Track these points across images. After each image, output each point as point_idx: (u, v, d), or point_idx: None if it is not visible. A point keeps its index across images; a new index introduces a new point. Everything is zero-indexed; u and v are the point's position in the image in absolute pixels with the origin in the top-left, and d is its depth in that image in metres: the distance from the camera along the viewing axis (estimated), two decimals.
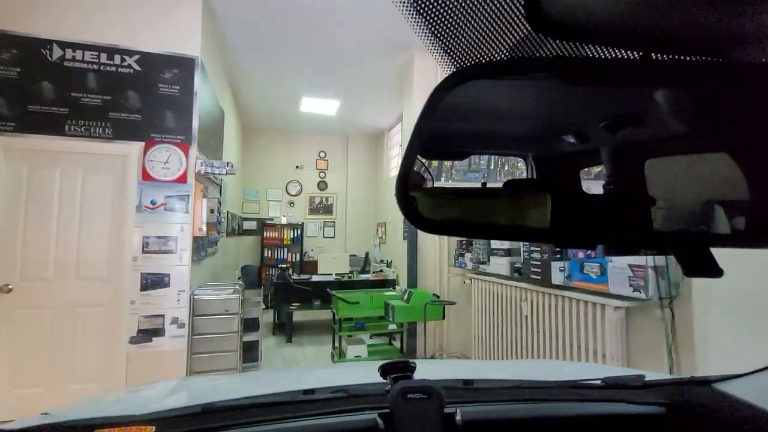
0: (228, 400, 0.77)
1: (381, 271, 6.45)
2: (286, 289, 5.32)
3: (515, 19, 0.36)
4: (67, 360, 2.95)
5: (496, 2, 0.34)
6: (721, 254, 0.38)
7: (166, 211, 3.15)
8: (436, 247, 4.43)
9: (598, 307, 2.33)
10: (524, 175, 0.59)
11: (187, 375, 3.09)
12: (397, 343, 4.76)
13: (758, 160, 0.38)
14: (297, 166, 8.10)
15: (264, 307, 4.36)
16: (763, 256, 1.52)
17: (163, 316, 3.10)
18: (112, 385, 2.94)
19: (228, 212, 5.61)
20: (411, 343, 4.23)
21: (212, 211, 3.88)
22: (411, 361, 0.80)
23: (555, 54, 0.39)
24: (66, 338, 2.96)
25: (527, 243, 2.88)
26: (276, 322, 5.72)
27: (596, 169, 0.56)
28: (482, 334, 3.71)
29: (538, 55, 0.40)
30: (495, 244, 3.42)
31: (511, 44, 0.39)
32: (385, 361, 0.80)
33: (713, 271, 0.38)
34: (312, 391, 0.81)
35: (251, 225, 7.67)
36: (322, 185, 8.26)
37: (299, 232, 7.70)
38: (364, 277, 6.00)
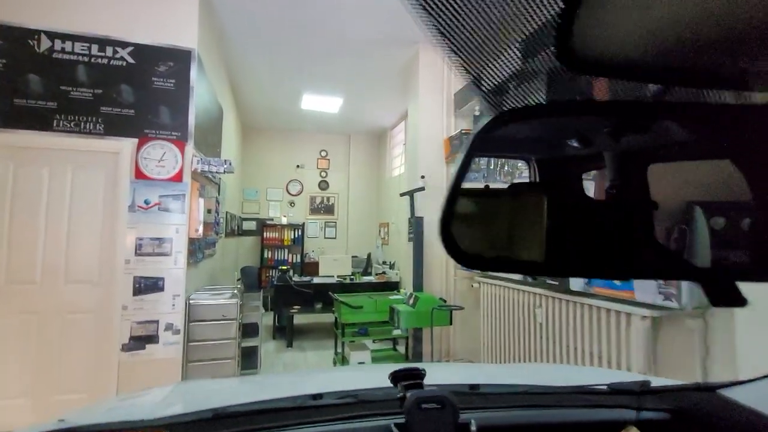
0: (238, 405, 0.77)
1: (384, 273, 6.29)
2: (287, 292, 5.16)
3: (545, 59, 0.38)
4: (54, 369, 2.79)
5: (530, 46, 0.37)
6: None
7: (160, 211, 2.99)
8: (442, 249, 4.25)
9: (622, 316, 2.17)
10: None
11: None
12: (401, 348, 4.60)
13: None
14: (298, 166, 7.94)
15: (263, 311, 4.20)
16: None
17: (157, 322, 2.94)
18: (103, 395, 2.78)
19: (227, 212, 5.45)
20: (417, 349, 4.07)
21: (209, 211, 3.71)
22: (421, 368, 0.79)
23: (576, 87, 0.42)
24: (54, 346, 2.79)
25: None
26: (276, 326, 5.56)
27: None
28: (491, 341, 3.55)
29: (558, 87, 0.42)
30: None
31: (541, 82, 0.42)
32: (396, 368, 0.79)
33: (739, 300, 0.38)
34: (320, 396, 0.81)
35: (251, 225, 7.52)
36: (324, 185, 8.11)
37: (300, 233, 7.54)
38: (366, 279, 5.85)
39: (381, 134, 7.99)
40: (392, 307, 3.71)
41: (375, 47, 4.39)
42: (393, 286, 5.61)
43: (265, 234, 7.37)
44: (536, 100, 0.45)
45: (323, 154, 8.12)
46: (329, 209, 8.12)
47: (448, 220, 0.41)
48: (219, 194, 4.39)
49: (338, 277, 5.65)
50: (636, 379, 0.90)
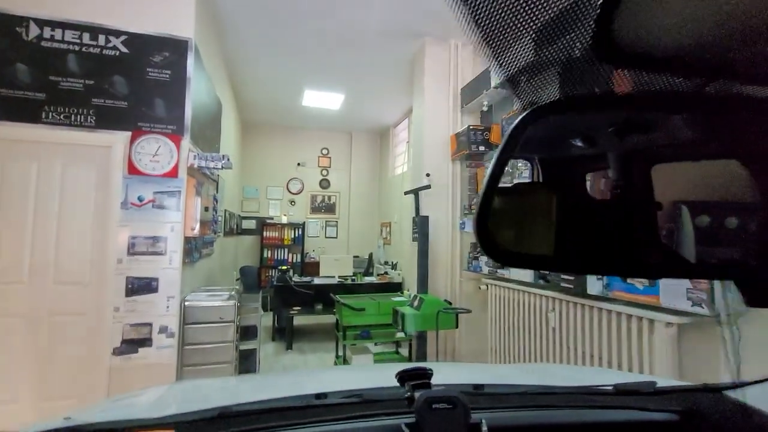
0: (243, 404, 0.76)
1: (386, 273, 6.16)
2: (287, 292, 5.02)
3: (580, 49, 0.37)
4: (42, 374, 2.65)
5: (566, 36, 0.36)
6: None
7: (154, 208, 2.85)
8: (448, 249, 4.13)
9: (644, 323, 2.03)
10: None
11: None
12: (404, 351, 4.47)
13: None
14: (298, 164, 7.81)
15: (262, 312, 4.06)
16: None
17: (150, 324, 2.81)
18: (93, 401, 2.65)
19: (226, 211, 5.31)
20: (420, 352, 3.93)
21: (207, 209, 3.57)
22: (428, 368, 0.78)
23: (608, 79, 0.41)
24: (41, 349, 2.66)
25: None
26: (276, 327, 5.42)
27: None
28: (499, 345, 3.41)
29: (596, 82, 0.41)
30: None
31: (576, 75, 0.41)
32: (402, 368, 0.78)
33: None
34: (324, 395, 0.80)
35: (251, 224, 7.38)
36: (325, 183, 7.97)
37: (300, 232, 7.41)
38: (368, 280, 5.72)
39: (383, 132, 7.85)
40: (396, 310, 3.57)
41: (379, 40, 4.24)
42: (395, 287, 5.47)
43: (265, 233, 7.23)
44: (568, 92, 0.44)
45: (324, 152, 7.99)
46: (330, 208, 7.98)
47: (485, 217, 0.40)
48: (217, 192, 4.25)
49: (339, 277, 5.51)
50: (642, 380, 0.89)
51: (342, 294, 4.41)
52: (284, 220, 7.43)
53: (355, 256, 6.20)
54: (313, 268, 6.76)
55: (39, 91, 2.66)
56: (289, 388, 1.13)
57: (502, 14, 0.35)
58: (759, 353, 1.70)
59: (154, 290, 2.82)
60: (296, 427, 0.71)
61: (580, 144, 0.49)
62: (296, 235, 7.38)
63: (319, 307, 5.11)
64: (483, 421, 0.67)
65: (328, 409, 0.76)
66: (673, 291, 1.87)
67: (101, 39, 2.79)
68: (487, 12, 0.35)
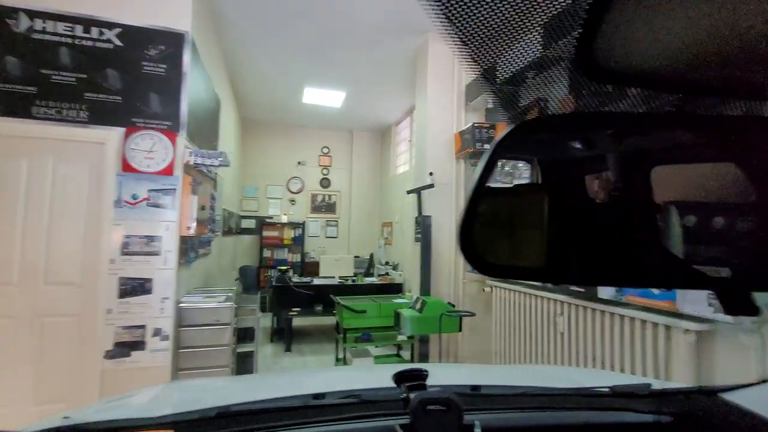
0: (241, 404, 0.77)
1: (387, 274, 6.06)
2: (286, 293, 4.93)
3: (563, 69, 0.39)
4: (31, 377, 2.56)
5: (550, 55, 0.37)
6: None
7: (149, 206, 2.76)
8: (451, 250, 4.03)
9: (660, 329, 1.93)
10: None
11: None
12: (405, 353, 4.37)
13: None
14: (299, 163, 7.71)
15: (261, 314, 3.97)
16: None
17: (143, 327, 2.71)
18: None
19: (224, 209, 5.21)
20: (423, 354, 3.84)
21: (203, 207, 3.48)
22: (424, 369, 0.78)
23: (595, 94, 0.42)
24: (31, 352, 2.56)
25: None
26: (274, 327, 5.33)
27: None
28: (504, 349, 3.31)
29: (579, 97, 0.43)
30: None
31: (561, 90, 0.43)
32: (399, 369, 0.78)
33: (753, 309, 0.38)
34: (322, 396, 0.81)
35: (250, 223, 7.29)
36: (325, 182, 7.87)
37: (300, 232, 7.32)
38: (369, 280, 5.62)
39: (385, 131, 7.75)
40: (398, 312, 3.48)
41: (381, 35, 4.15)
42: (396, 288, 5.38)
43: (264, 233, 7.14)
44: (549, 97, 0.44)
45: (325, 150, 7.89)
46: (331, 208, 7.89)
47: (469, 226, 0.39)
48: (215, 190, 4.16)
49: (340, 278, 5.42)
50: (638, 382, 0.90)
51: (342, 295, 4.32)
52: (284, 219, 7.34)
53: (355, 257, 6.11)
54: (312, 268, 6.67)
55: (30, 85, 2.57)
56: (287, 388, 1.13)
57: (485, 29, 0.35)
58: None
59: (148, 291, 2.73)
60: (294, 427, 0.71)
61: (576, 147, 0.48)
62: (296, 234, 7.29)
63: (319, 308, 5.02)
64: (476, 422, 0.67)
65: (325, 409, 0.76)
66: (693, 296, 1.77)
67: (94, 31, 2.69)
68: (469, 26, 0.35)
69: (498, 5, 0.33)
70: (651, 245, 0.42)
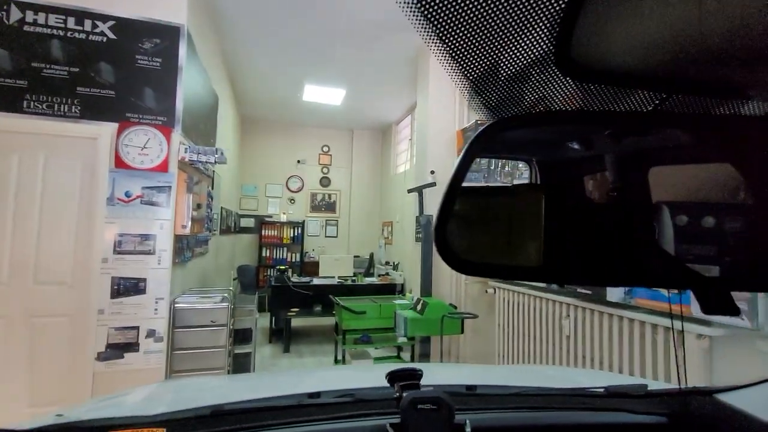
0: (235, 402, 0.76)
1: (387, 274, 5.99)
2: (285, 293, 4.85)
3: (545, 66, 0.38)
4: (21, 379, 2.48)
5: (529, 53, 0.38)
6: None
7: (143, 204, 2.68)
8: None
9: (672, 334, 1.85)
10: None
11: None
12: (405, 355, 4.30)
13: None
14: (298, 161, 7.63)
15: (258, 315, 3.90)
16: None
17: (137, 328, 2.64)
18: None
19: (222, 208, 5.14)
20: (423, 356, 3.76)
21: (200, 206, 3.40)
22: (418, 369, 0.78)
23: (575, 93, 0.42)
24: (21, 354, 2.49)
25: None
26: (273, 328, 5.25)
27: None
28: (507, 352, 3.24)
29: (558, 94, 0.43)
30: None
31: (536, 86, 0.42)
32: (393, 368, 0.78)
33: (732, 309, 0.39)
34: (318, 395, 0.81)
35: (249, 222, 7.21)
36: (325, 181, 7.80)
37: (300, 231, 7.24)
38: (369, 280, 5.55)
39: (385, 129, 7.68)
40: (398, 314, 3.40)
41: (382, 32, 4.07)
42: (397, 288, 5.31)
43: (263, 231, 7.07)
44: (531, 102, 0.44)
45: (325, 149, 7.81)
46: (330, 207, 7.81)
47: (444, 223, 0.39)
48: (212, 188, 4.08)
49: (339, 278, 5.34)
50: (633, 383, 0.90)
51: (342, 295, 4.25)
52: (283, 218, 7.26)
53: (355, 256, 6.04)
54: (312, 268, 6.60)
55: (20, 79, 2.49)
56: (283, 387, 1.14)
57: (467, 34, 0.35)
58: None
59: (142, 291, 2.66)
60: (288, 425, 0.71)
61: (574, 148, 0.47)
62: (295, 234, 7.22)
63: (318, 308, 4.94)
64: (467, 421, 0.67)
65: (320, 408, 0.76)
66: None
67: (87, 24, 2.62)
68: (451, 30, 0.35)
69: (485, 17, 0.33)
70: (640, 244, 0.42)
